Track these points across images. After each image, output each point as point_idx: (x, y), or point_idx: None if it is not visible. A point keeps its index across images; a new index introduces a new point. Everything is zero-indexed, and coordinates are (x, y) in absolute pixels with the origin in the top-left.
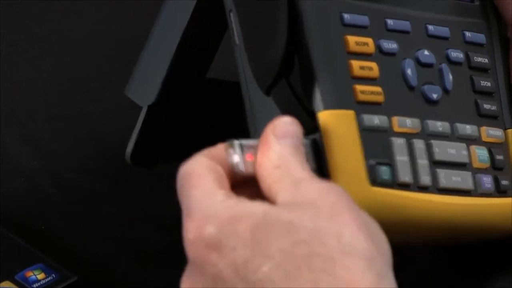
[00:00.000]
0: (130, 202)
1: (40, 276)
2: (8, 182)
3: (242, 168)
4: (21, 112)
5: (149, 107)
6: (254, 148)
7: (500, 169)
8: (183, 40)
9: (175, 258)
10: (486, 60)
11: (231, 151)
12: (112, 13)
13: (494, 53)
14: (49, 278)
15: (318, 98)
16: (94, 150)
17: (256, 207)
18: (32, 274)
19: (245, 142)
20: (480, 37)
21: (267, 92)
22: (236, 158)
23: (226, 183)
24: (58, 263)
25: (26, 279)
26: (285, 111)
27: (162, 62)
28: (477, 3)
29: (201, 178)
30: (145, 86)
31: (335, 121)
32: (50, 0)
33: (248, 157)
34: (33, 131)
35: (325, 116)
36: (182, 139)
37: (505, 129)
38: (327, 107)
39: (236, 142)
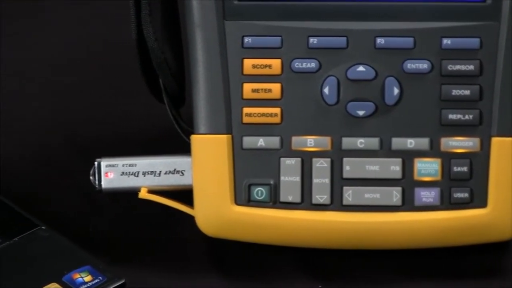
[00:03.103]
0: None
1: (87, 278)
2: (56, 185)
3: None
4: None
5: None
6: None
7: (462, 180)
8: None
9: (216, 259)
10: (471, 66)
11: None
12: (118, 15)
13: (496, 55)
14: (96, 281)
15: (194, 123)
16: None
17: None
18: (79, 276)
19: None
20: (469, 42)
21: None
22: None
23: None
24: (105, 266)
25: (73, 281)
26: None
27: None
28: (489, 2)
29: None
30: None
31: (204, 145)
32: (53, 0)
33: None
34: (74, 134)
35: (196, 140)
36: None
37: (490, 136)
38: (198, 131)
39: None
